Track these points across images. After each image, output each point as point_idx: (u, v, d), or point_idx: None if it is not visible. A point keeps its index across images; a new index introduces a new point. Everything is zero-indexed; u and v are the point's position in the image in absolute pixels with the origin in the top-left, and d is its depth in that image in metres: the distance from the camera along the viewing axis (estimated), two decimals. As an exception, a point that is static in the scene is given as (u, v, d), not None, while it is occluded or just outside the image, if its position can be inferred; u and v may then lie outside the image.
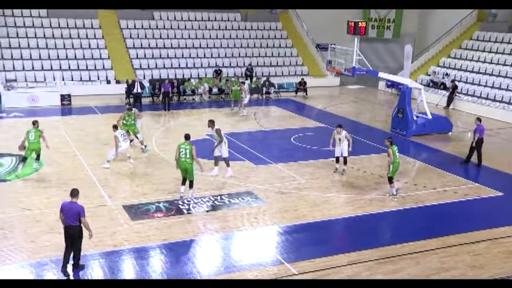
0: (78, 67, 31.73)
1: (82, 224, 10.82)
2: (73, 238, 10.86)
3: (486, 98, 29.90)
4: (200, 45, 35.80)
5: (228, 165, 16.90)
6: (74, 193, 10.92)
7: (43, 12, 33.49)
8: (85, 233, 10.92)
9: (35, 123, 17.25)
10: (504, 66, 31.36)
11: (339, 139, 17.56)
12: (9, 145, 19.56)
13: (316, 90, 34.52)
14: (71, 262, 11.05)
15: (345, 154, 17.77)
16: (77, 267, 11.10)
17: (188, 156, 14.84)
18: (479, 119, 19.31)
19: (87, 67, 31.91)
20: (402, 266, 11.78)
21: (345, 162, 17.93)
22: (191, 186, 15.18)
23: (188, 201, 14.94)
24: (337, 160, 17.99)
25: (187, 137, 15.28)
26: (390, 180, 15.92)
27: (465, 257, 12.33)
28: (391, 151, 15.70)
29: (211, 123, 16.84)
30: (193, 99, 30.50)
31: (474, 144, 19.11)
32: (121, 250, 12.03)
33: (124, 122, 19.50)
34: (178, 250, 12.19)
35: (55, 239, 12.28)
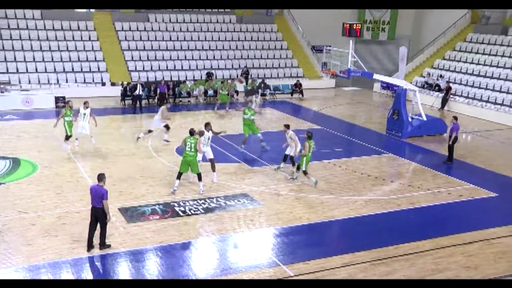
0: (72, 69, 31.76)
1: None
2: (98, 219, 11.93)
3: (480, 100, 30.13)
4: (195, 47, 35.88)
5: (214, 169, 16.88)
6: (100, 177, 12.03)
7: (37, 13, 33.49)
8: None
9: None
10: (497, 68, 31.60)
11: (290, 138, 17.51)
12: (3, 148, 19.58)
13: (312, 92, 34.66)
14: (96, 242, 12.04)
15: (292, 153, 17.54)
16: (104, 246, 12.09)
17: (192, 149, 15.50)
18: (455, 118, 19.89)
19: (82, 69, 31.95)
20: (397, 267, 11.90)
21: (292, 164, 17.58)
22: (200, 179, 15.83)
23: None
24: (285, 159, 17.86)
25: (192, 132, 15.83)
26: (305, 173, 16.60)
27: (459, 258, 12.46)
28: (307, 145, 16.35)
29: (207, 126, 16.93)
30: (189, 101, 30.58)
31: (450, 143, 19.70)
32: (117, 253, 12.09)
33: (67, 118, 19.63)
34: (174, 253, 12.26)
35: (51, 243, 12.35)
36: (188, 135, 15.78)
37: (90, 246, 12.06)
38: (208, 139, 16.86)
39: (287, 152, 17.82)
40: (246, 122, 20.54)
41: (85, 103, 20.16)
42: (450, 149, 19.87)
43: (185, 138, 15.74)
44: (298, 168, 17.08)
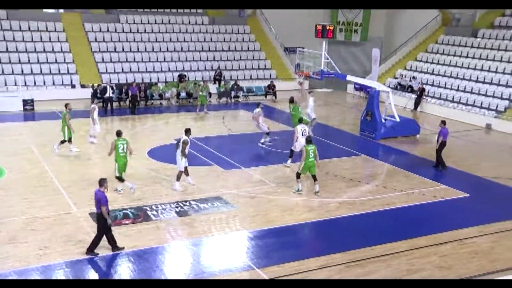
0: (41, 71, 31.19)
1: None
2: (97, 224, 12.08)
3: (452, 101, 30.65)
4: (167, 48, 35.63)
5: (187, 174, 16.66)
6: (101, 182, 12.08)
7: (3, 14, 32.80)
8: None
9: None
10: (468, 69, 32.20)
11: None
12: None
13: (285, 94, 34.68)
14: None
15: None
16: (90, 252, 12.00)
17: (125, 150, 15.77)
18: (443, 122, 19.61)
19: (50, 71, 31.39)
20: (372, 269, 11.97)
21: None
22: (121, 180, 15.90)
23: (156, 206, 14.87)
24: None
25: (119, 133, 16.06)
26: (297, 176, 16.55)
27: (433, 258, 12.61)
28: (304, 150, 16.25)
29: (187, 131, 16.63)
30: (161, 103, 30.33)
31: (437, 147, 19.44)
32: (88, 259, 11.87)
33: None
34: (147, 257, 12.10)
35: (16, 250, 12.08)
36: (117, 137, 15.85)
37: (115, 247, 12.21)
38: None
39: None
40: None
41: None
42: (438, 154, 19.47)
43: (115, 140, 15.74)
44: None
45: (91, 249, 12.04)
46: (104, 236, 12.11)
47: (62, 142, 19.80)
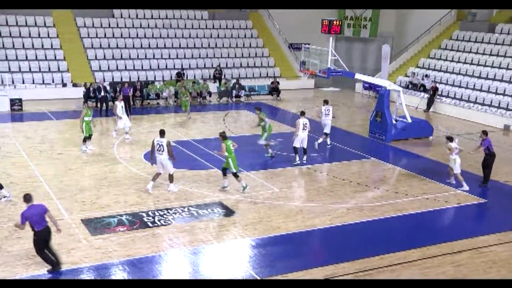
0: (30, 69, 31.28)
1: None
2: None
3: (468, 101, 30.61)
4: (164, 45, 35.71)
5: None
6: (25, 198, 11.60)
7: (-11, 8, 32.95)
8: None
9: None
10: (485, 67, 32.18)
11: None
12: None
13: (290, 93, 34.80)
14: None
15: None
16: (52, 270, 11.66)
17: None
18: (485, 133, 18.68)
19: (40, 69, 31.49)
20: (382, 279, 11.94)
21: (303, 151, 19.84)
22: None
23: (153, 213, 14.88)
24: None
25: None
26: (235, 175, 16.57)
27: (448, 268, 12.59)
28: (224, 146, 16.41)
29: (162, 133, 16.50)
30: (158, 103, 30.37)
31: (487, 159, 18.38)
32: (80, 268, 11.88)
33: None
34: (142, 267, 12.10)
35: (3, 258, 12.11)
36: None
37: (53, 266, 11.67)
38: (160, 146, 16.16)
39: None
40: None
41: None
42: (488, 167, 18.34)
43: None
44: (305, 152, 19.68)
45: (52, 268, 11.63)
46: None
47: (85, 139, 20.53)
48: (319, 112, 22.24)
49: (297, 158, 19.70)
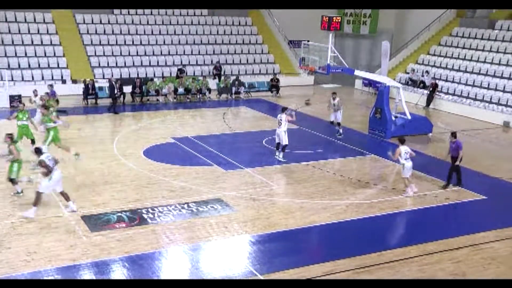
0: (29, 65, 31.26)
1: None
2: None
3: (467, 97, 30.63)
4: (164, 41, 35.68)
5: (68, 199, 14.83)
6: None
7: (-11, 5, 32.89)
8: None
9: None
10: (485, 63, 32.19)
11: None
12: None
13: (289, 90, 34.79)
14: None
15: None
16: None
17: None
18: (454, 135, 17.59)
19: (39, 65, 31.46)
20: (380, 276, 11.99)
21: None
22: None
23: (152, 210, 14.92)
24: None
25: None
26: (12, 181, 15.47)
27: (446, 264, 12.63)
28: (14, 148, 15.25)
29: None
30: (157, 100, 30.36)
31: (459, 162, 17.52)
32: (80, 265, 11.90)
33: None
34: (141, 263, 12.13)
35: (3, 255, 12.12)
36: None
37: None
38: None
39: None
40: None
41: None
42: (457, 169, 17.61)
43: None
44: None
45: None
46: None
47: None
48: (330, 103, 23.64)
49: (279, 154, 19.90)
